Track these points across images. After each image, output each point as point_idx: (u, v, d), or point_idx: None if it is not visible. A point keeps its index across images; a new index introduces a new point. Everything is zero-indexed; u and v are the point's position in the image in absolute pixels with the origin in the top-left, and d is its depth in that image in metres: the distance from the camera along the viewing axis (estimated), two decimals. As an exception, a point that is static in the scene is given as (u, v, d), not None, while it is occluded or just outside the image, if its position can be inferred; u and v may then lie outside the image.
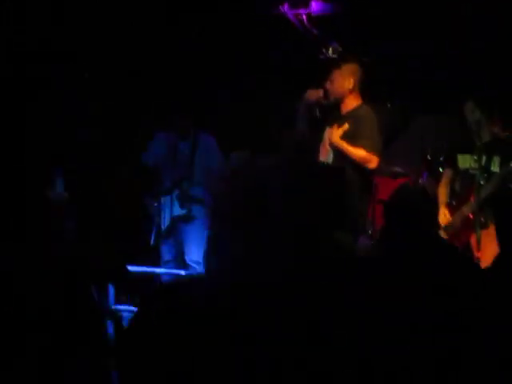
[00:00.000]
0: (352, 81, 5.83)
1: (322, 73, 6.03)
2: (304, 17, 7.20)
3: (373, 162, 5.73)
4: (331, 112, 5.91)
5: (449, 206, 6.22)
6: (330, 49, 7.42)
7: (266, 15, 7.12)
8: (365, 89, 6.22)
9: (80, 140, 7.26)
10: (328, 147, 5.82)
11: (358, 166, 5.69)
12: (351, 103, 5.86)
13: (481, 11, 7.03)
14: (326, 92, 5.83)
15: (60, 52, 7.29)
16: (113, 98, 7.41)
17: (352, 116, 5.83)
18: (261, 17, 7.21)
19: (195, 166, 6.81)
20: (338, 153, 5.72)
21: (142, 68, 7.42)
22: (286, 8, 7.13)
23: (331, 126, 5.83)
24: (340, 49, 7.38)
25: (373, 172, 6.07)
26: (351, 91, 5.84)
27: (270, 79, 7.40)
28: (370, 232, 7.31)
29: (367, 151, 5.68)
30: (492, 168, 6.06)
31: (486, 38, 7.13)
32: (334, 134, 5.72)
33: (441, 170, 6.74)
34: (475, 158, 6.09)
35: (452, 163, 6.30)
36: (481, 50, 7.19)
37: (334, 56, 7.04)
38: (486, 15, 7.04)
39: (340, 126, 5.74)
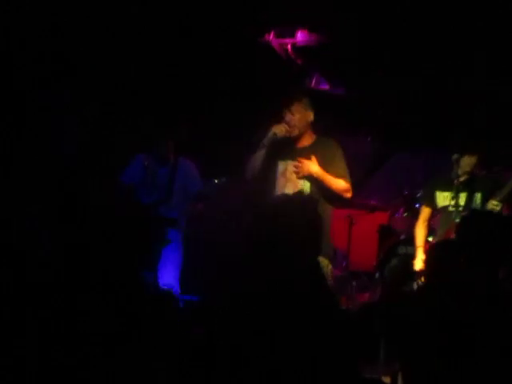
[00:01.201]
0: (311, 114, 5.82)
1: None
2: (289, 46, 7.38)
3: (351, 192, 5.81)
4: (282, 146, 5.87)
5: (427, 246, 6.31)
6: (313, 80, 7.72)
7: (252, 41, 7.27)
8: (344, 122, 6.33)
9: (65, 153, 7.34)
10: (296, 179, 5.80)
11: (333, 198, 5.78)
12: (310, 136, 5.87)
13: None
14: (287, 125, 5.79)
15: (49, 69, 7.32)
16: (97, 115, 7.51)
17: (317, 148, 5.83)
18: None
19: (174, 190, 6.80)
20: (316, 184, 5.74)
21: (129, 88, 7.50)
22: (271, 37, 7.31)
23: (292, 159, 5.82)
24: (322, 80, 7.62)
25: (349, 205, 6.15)
26: (310, 124, 5.85)
27: (250, 104, 7.54)
28: (344, 264, 7.43)
29: (346, 182, 5.76)
30: (473, 205, 6.22)
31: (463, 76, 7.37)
32: (312, 166, 5.72)
33: (417, 205, 6.87)
34: (453, 195, 6.23)
35: (429, 200, 6.42)
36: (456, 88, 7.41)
37: (317, 87, 7.28)
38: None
39: (305, 158, 5.75)
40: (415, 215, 6.73)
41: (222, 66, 7.33)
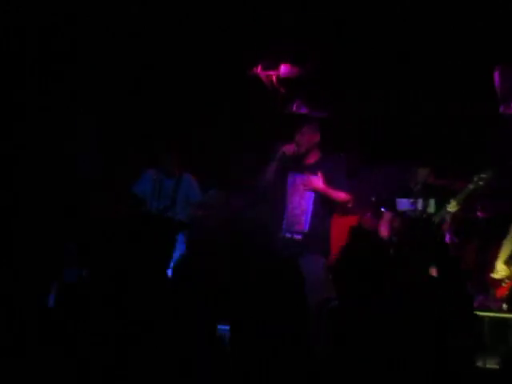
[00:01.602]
0: (318, 135, 6.64)
1: (287, 126, 6.86)
2: (274, 78, 8.28)
3: (351, 202, 6.72)
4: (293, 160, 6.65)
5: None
6: (294, 105, 8.46)
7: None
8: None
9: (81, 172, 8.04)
10: (302, 190, 6.56)
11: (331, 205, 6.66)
12: (316, 154, 6.66)
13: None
14: (296, 144, 6.58)
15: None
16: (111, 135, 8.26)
17: (323, 165, 6.58)
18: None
19: (178, 199, 7.64)
20: (321, 196, 6.52)
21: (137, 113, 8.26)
22: (259, 70, 8.22)
23: (300, 173, 6.60)
24: (303, 106, 8.45)
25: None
26: (317, 144, 6.65)
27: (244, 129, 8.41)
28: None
29: (346, 193, 6.58)
30: (428, 210, 7.16)
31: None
32: (317, 181, 6.50)
33: (382, 209, 7.80)
34: (411, 201, 7.22)
35: (391, 206, 7.39)
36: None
37: (298, 112, 8.09)
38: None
39: (311, 174, 6.52)
40: (380, 217, 7.59)
41: (219, 93, 8.17)
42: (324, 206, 6.60)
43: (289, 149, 6.57)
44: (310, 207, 6.58)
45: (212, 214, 7.96)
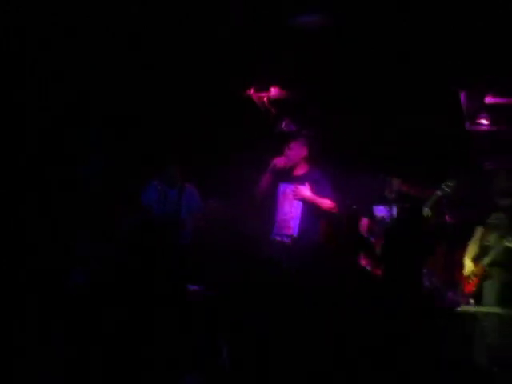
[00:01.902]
0: (305, 150, 7.27)
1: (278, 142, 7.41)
2: (265, 99, 8.90)
3: (336, 209, 7.27)
4: (283, 172, 7.23)
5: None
6: (284, 124, 9.05)
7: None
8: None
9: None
10: (294, 200, 7.14)
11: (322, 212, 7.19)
12: (304, 167, 7.28)
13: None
14: (286, 158, 7.16)
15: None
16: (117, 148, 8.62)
17: (310, 177, 7.09)
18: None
19: (181, 208, 8.10)
20: (309, 204, 7.07)
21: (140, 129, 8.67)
22: (252, 92, 8.83)
23: (290, 183, 7.15)
24: (291, 124, 9.09)
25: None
26: (305, 158, 7.26)
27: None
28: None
29: (331, 201, 7.14)
30: (402, 215, 7.75)
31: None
32: (305, 191, 7.10)
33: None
34: (388, 208, 7.90)
35: (369, 213, 8.03)
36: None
37: (287, 130, 8.78)
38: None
39: (300, 184, 7.10)
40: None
41: (216, 114, 8.68)
42: (312, 212, 7.18)
43: (279, 162, 7.23)
44: (299, 214, 7.16)
45: (212, 224, 8.48)
